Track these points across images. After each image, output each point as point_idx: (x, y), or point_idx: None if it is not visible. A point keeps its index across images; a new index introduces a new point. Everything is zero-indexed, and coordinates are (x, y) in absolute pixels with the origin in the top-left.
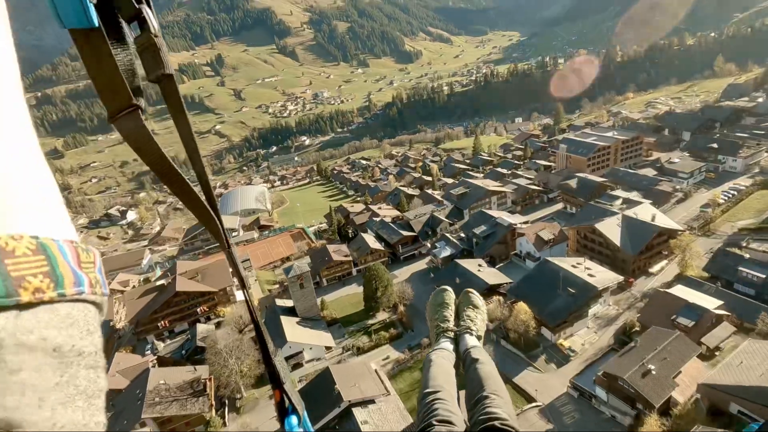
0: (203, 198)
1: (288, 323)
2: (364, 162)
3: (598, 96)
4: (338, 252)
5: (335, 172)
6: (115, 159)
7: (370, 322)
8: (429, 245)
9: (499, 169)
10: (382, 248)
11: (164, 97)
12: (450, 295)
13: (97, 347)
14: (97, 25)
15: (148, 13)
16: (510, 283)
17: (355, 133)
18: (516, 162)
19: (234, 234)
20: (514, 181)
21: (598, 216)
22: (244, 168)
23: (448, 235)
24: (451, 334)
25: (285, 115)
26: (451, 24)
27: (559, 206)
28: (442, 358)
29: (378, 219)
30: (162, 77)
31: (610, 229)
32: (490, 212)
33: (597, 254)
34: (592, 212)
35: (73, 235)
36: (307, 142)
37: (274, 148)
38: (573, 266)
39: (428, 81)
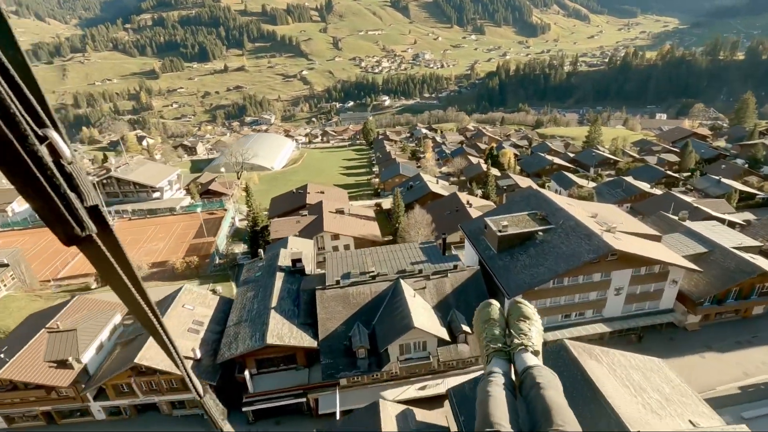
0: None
1: None
2: (424, 131)
3: None
4: None
5: (379, 137)
6: (199, 89)
7: None
8: None
9: (633, 181)
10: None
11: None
12: (496, 309)
13: None
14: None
15: (55, 139)
16: None
17: (443, 102)
18: (669, 172)
19: (156, 194)
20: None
21: None
22: (313, 119)
23: None
24: (505, 354)
25: (376, 71)
26: (594, 0)
27: None
28: (498, 385)
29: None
30: (87, 209)
31: None
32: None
33: None
34: None
35: None
36: (387, 102)
37: (351, 103)
38: None
39: (548, 58)
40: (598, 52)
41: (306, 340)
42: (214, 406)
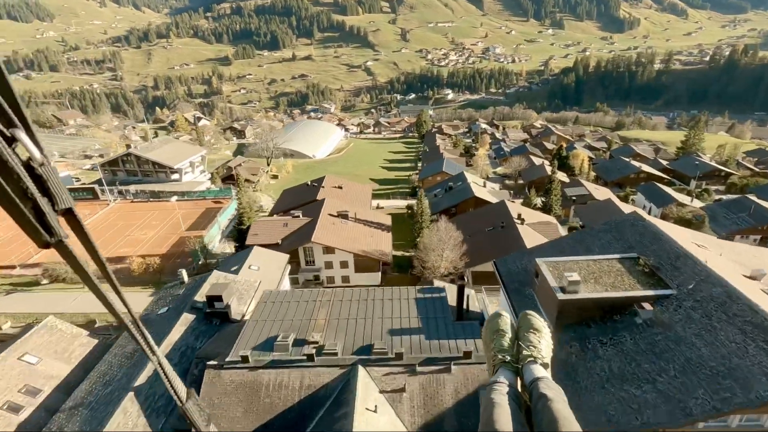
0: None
1: None
2: (484, 126)
3: None
4: None
5: (433, 130)
6: (267, 75)
7: None
8: None
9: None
10: None
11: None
12: (506, 320)
13: None
14: None
15: (24, 140)
16: None
17: (511, 98)
18: None
19: (175, 175)
20: None
21: None
22: (372, 110)
23: None
24: (513, 366)
25: (442, 64)
26: None
27: None
28: (503, 395)
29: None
30: (62, 213)
31: None
32: None
33: None
34: None
35: None
36: (450, 96)
37: (412, 95)
38: None
39: (635, 55)
40: (695, 50)
41: None
42: (197, 411)
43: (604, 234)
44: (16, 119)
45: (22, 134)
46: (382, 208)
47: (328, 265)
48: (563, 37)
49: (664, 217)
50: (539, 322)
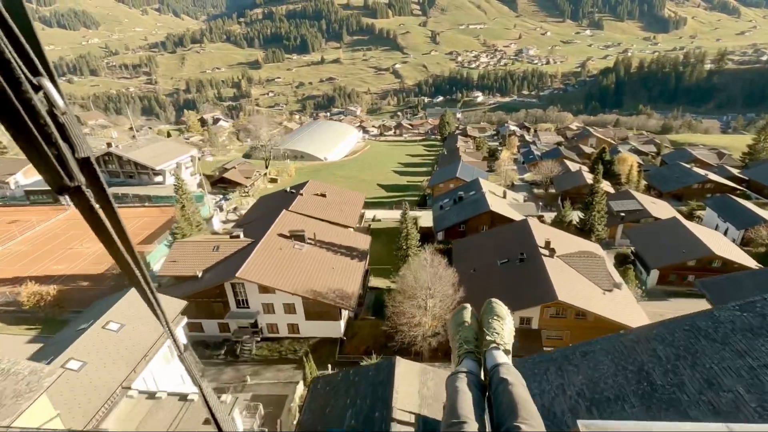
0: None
1: None
2: (512, 128)
3: None
4: None
5: (456, 132)
6: (295, 79)
7: None
8: None
9: None
10: None
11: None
12: (470, 312)
13: None
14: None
15: (48, 88)
16: None
17: (544, 100)
18: None
19: (158, 177)
20: None
21: None
22: (398, 113)
23: None
24: (476, 356)
25: (472, 66)
26: None
27: None
28: (466, 383)
29: None
30: (80, 162)
31: None
32: None
33: None
34: None
35: None
36: (480, 99)
37: (440, 98)
38: None
39: (681, 56)
40: (749, 49)
41: None
42: (193, 362)
43: (756, 339)
44: (41, 68)
45: (47, 82)
46: (380, 221)
47: (268, 308)
48: (602, 37)
49: (747, 242)
50: (503, 309)
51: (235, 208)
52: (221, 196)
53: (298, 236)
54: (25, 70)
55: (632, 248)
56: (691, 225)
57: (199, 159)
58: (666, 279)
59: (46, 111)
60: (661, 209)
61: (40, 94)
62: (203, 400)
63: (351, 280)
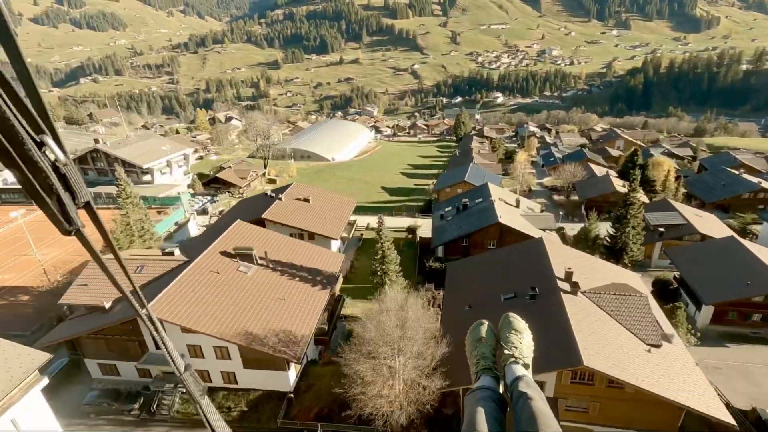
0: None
1: None
2: (532, 129)
3: None
4: None
5: (472, 133)
6: (313, 79)
7: None
8: None
9: None
10: None
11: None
12: (486, 328)
13: None
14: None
15: (50, 144)
16: None
17: (567, 102)
18: None
19: (147, 176)
20: None
21: None
22: (416, 114)
23: None
24: (494, 372)
25: (493, 67)
26: None
27: None
28: (485, 399)
29: None
30: (82, 206)
31: None
32: None
33: None
34: None
35: None
36: (500, 99)
37: (459, 99)
38: None
39: (714, 56)
40: None
41: None
42: (193, 382)
43: None
44: (44, 126)
45: (49, 140)
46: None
47: (195, 351)
48: (629, 37)
49: None
50: (521, 324)
51: (221, 212)
52: (208, 198)
53: (244, 255)
54: (29, 129)
55: (676, 274)
56: (756, 248)
57: (202, 158)
58: (723, 318)
59: (50, 164)
60: (709, 224)
61: (44, 148)
62: (204, 418)
63: (306, 315)
